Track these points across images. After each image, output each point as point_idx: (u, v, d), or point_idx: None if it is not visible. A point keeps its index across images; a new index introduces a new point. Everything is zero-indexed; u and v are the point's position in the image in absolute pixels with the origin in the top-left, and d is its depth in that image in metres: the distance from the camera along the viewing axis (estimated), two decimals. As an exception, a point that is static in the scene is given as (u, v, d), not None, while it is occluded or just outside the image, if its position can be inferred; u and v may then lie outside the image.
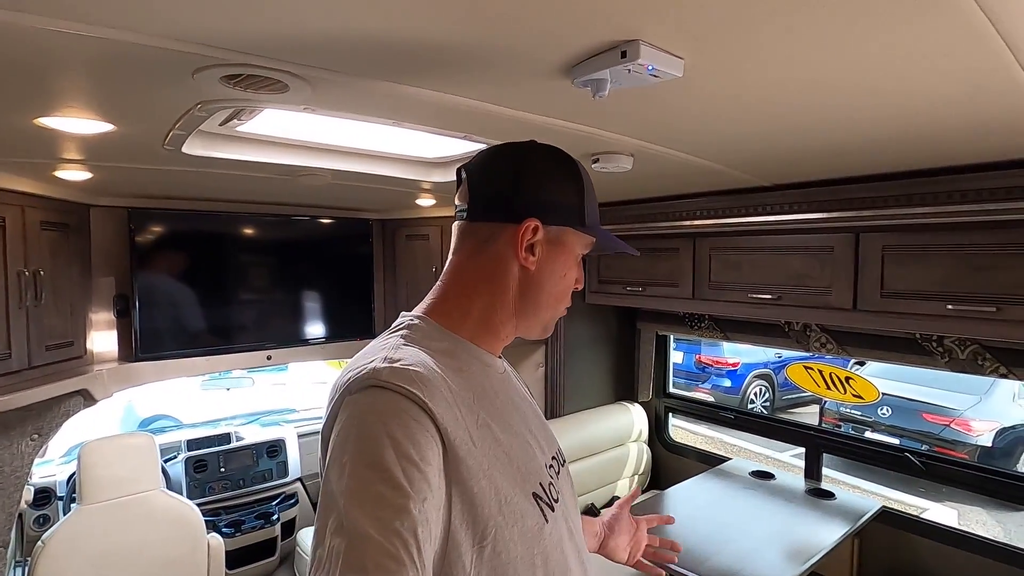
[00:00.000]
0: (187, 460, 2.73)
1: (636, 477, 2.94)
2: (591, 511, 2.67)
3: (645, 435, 2.97)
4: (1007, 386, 4.85)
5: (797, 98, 1.00)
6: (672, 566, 1.79)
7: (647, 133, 1.30)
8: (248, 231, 2.61)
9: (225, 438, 3.05)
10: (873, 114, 1.09)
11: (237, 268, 2.59)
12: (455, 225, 0.78)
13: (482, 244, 0.75)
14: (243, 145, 1.49)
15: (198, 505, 2.44)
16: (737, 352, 6.97)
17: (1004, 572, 1.89)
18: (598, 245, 0.80)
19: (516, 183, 0.73)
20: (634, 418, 2.91)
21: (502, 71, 0.89)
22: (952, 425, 4.83)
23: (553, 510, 0.72)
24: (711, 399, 7.25)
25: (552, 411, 2.77)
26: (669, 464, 2.98)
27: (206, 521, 2.35)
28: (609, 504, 2.76)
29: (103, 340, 2.27)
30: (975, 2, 0.66)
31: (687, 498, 2.31)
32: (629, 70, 0.77)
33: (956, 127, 1.15)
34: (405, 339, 0.71)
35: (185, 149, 1.35)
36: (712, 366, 7.34)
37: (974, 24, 0.69)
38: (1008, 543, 1.98)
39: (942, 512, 4.19)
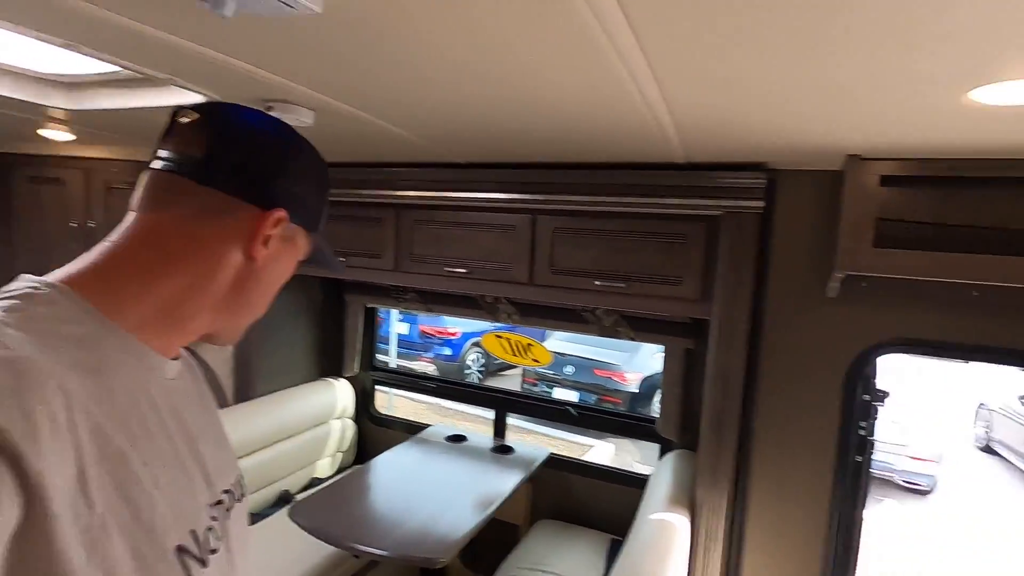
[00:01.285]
0: None
1: (340, 454, 2.85)
2: (285, 497, 2.48)
3: (350, 411, 2.88)
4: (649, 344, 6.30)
5: (448, 74, 0.99)
6: (358, 546, 1.75)
7: (325, 86, 1.17)
8: None
9: None
10: (521, 105, 1.15)
11: None
12: (158, 175, 0.60)
13: (206, 214, 0.59)
14: None
15: None
16: (457, 322, 7.43)
17: (636, 494, 2.29)
18: (313, 255, 0.74)
19: (279, 166, 0.63)
20: (337, 394, 2.79)
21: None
22: (613, 377, 6.08)
23: (206, 565, 0.55)
24: (433, 368, 7.62)
25: (241, 394, 2.46)
26: (377, 437, 2.96)
27: None
28: (307, 487, 2.60)
29: None
30: (592, 14, 0.70)
31: (386, 469, 2.32)
32: (247, -14, 0.63)
33: (589, 128, 1.31)
34: (7, 314, 0.47)
35: None
36: (434, 336, 7.70)
37: (589, 35, 0.75)
38: (634, 471, 2.50)
39: (605, 447, 5.18)
